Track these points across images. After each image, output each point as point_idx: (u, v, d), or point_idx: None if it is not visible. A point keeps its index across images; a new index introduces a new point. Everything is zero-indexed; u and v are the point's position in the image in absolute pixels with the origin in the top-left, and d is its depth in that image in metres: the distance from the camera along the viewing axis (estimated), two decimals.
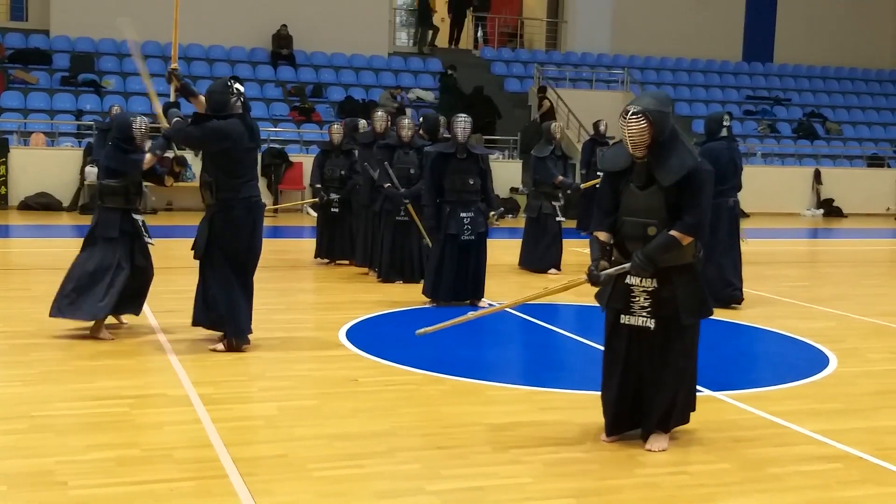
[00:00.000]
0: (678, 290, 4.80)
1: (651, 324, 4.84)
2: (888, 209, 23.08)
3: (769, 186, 21.52)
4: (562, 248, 11.35)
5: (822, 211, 22.42)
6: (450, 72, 22.02)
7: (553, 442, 5.01)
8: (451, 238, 8.74)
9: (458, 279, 8.81)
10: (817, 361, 7.02)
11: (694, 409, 5.09)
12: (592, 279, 4.86)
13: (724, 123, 9.03)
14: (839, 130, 24.92)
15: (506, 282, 10.46)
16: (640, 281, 4.82)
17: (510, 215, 18.75)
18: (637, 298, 4.85)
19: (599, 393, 5.11)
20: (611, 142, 12.15)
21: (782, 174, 22.55)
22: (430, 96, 22.17)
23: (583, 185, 12.58)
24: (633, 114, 4.71)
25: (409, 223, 9.97)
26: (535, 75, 23.23)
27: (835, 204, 22.48)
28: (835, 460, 4.84)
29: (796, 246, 16.78)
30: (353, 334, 7.53)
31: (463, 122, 8.74)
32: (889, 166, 23.73)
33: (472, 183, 8.75)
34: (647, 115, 4.70)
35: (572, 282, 5.09)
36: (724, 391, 6.06)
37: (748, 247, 13.66)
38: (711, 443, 5.07)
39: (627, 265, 4.81)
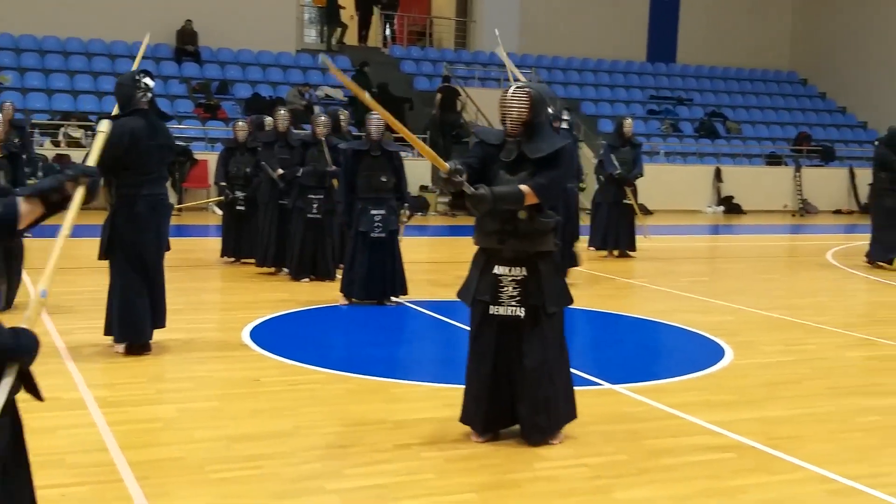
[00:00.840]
0: (543, 278, 4.87)
1: (521, 312, 4.84)
2: (785, 206, 23.81)
3: (672, 184, 22.01)
4: None
5: (722, 208, 23.02)
6: (365, 69, 21.93)
7: (456, 437, 5.03)
8: (362, 235, 8.72)
9: (372, 278, 8.78)
10: (713, 354, 7.21)
11: (574, 403, 5.07)
12: (452, 174, 4.60)
13: (565, 117, 9.77)
14: (739, 130, 25.63)
15: (418, 280, 10.46)
16: (509, 270, 4.85)
17: (420, 213, 18.79)
18: (506, 288, 4.85)
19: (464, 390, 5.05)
20: None
21: (684, 172, 23.08)
22: (339, 94, 22.06)
23: None
24: (518, 87, 4.86)
25: (321, 220, 9.93)
26: (445, 74, 23.29)
27: (734, 201, 23.10)
28: (728, 450, 4.98)
29: (697, 242, 17.19)
30: (257, 334, 7.45)
31: (376, 120, 8.72)
32: (786, 164, 24.49)
33: (384, 180, 8.73)
34: (531, 93, 4.83)
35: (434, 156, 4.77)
36: (623, 384, 6.18)
37: (650, 243, 14.01)
38: (609, 435, 5.16)
39: (473, 189, 4.69)
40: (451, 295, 9.69)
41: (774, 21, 28.81)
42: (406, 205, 9.05)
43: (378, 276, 8.79)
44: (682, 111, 25.73)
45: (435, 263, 12.21)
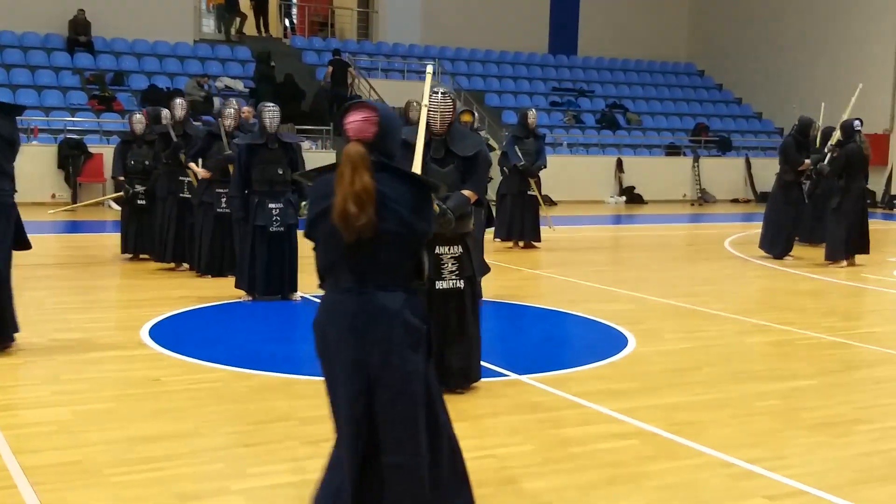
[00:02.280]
0: (472, 253, 5.73)
1: (461, 284, 5.65)
2: (684, 195, 24.34)
3: (575, 175, 22.27)
4: None
5: (624, 198, 23.41)
6: (271, 62, 21.66)
7: None
8: (260, 230, 8.56)
9: (272, 272, 8.65)
10: (617, 342, 7.30)
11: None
12: (441, 215, 5.40)
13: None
14: (639, 121, 26.08)
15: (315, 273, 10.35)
16: (449, 249, 5.62)
17: None
18: (446, 265, 5.62)
19: None
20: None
21: (587, 163, 23.38)
22: (238, 85, 21.68)
23: None
24: (444, 93, 5.65)
25: (229, 215, 9.70)
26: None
27: (636, 191, 23.51)
28: (632, 437, 5.04)
29: (600, 232, 17.43)
30: (156, 332, 7.25)
31: (270, 112, 8.56)
32: (685, 155, 25.02)
33: (281, 173, 8.59)
34: (453, 98, 5.68)
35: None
36: (530, 374, 6.21)
37: (554, 234, 14.15)
38: (516, 425, 5.18)
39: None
40: None
41: (671, 14, 29.41)
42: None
43: (278, 271, 8.66)
44: (584, 103, 26.05)
45: None
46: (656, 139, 25.62)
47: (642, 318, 8.33)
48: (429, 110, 5.57)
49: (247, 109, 11.68)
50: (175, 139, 10.27)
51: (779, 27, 26.92)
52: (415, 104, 11.51)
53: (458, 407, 5.49)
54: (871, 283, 10.90)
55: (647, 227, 18.54)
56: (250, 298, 8.68)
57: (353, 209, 3.19)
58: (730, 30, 28.41)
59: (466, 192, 5.63)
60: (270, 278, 8.65)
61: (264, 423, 5.13)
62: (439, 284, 5.60)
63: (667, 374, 6.40)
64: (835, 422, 5.45)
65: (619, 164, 23.61)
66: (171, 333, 7.26)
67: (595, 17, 28.01)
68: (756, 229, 16.07)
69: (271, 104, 8.76)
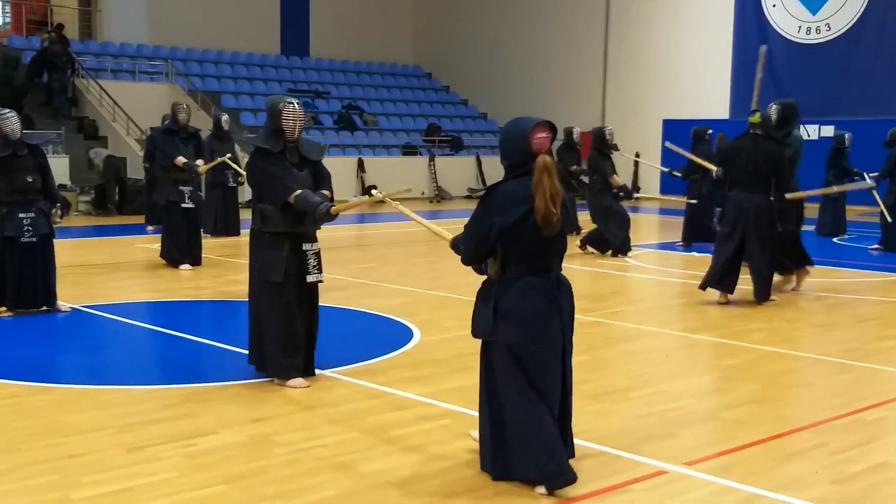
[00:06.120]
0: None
1: (322, 277, 6.24)
2: (423, 193, 25.26)
3: None
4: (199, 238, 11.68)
5: (366, 197, 23.93)
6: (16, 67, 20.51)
7: (187, 435, 5.06)
8: (9, 241, 8.22)
9: (26, 284, 8.32)
10: (403, 333, 7.72)
11: None
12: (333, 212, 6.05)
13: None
14: (375, 122, 26.74)
15: (77, 284, 10.03)
16: (312, 246, 6.16)
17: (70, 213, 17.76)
18: (310, 260, 6.14)
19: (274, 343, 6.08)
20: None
21: (329, 164, 23.31)
22: None
23: (201, 169, 11.53)
24: (298, 103, 6.15)
25: None
26: (74, 65, 22.10)
27: (377, 191, 24.09)
28: (444, 417, 5.46)
29: (351, 231, 17.84)
30: None
31: (11, 119, 8.19)
32: (421, 154, 25.95)
33: (31, 181, 8.28)
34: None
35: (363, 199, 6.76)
36: (332, 368, 6.47)
37: None
38: (334, 416, 5.44)
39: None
40: (123, 296, 9.46)
41: (397, 17, 30.38)
42: (59, 204, 8.62)
43: (31, 283, 8.35)
44: (321, 104, 26.36)
45: (90, 266, 11.71)
46: (393, 140, 26.38)
47: (418, 310, 8.79)
48: (287, 120, 6.06)
49: None
50: None
51: (495, 30, 28.57)
52: (183, 105, 11.43)
53: (274, 402, 5.70)
54: (608, 267, 11.98)
55: (391, 225, 19.09)
56: (10, 314, 8.32)
57: (553, 210, 4.18)
58: (451, 33, 29.78)
59: (326, 193, 6.27)
60: (23, 291, 8.33)
61: (82, 433, 5.08)
62: (309, 278, 6.12)
63: (457, 359, 6.86)
64: (611, 390, 6.14)
65: (361, 164, 24.15)
66: None
67: (325, 19, 28.43)
68: None
69: (7, 110, 8.37)
